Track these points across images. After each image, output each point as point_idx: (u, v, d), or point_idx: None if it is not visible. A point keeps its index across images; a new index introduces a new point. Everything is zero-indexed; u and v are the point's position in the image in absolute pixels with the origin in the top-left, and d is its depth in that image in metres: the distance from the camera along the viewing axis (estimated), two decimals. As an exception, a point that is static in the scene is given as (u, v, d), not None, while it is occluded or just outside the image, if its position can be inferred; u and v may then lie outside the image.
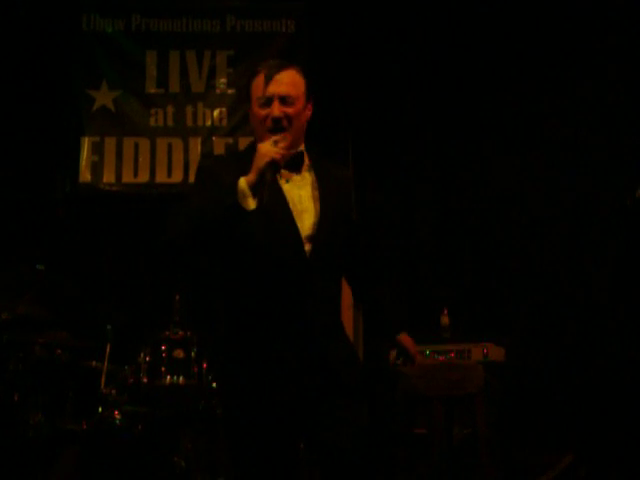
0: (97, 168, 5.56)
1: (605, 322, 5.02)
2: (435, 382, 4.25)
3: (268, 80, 2.64)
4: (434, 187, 5.58)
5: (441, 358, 4.53)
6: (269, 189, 2.49)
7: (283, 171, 2.66)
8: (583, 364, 5.03)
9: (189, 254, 2.86)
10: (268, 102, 2.64)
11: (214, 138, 5.66)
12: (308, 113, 2.74)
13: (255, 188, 2.47)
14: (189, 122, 5.66)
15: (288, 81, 2.65)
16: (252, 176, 2.48)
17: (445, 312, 4.82)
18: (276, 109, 2.62)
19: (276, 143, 2.52)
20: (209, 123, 5.67)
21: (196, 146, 5.64)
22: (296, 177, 2.70)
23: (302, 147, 2.76)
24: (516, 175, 5.46)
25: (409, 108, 5.56)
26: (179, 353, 4.13)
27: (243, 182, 2.48)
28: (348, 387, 2.60)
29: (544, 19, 5.42)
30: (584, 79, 5.36)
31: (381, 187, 5.51)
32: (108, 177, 5.57)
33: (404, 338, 2.93)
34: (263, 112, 2.65)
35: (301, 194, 2.68)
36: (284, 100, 2.63)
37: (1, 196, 5.33)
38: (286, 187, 2.67)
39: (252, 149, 2.65)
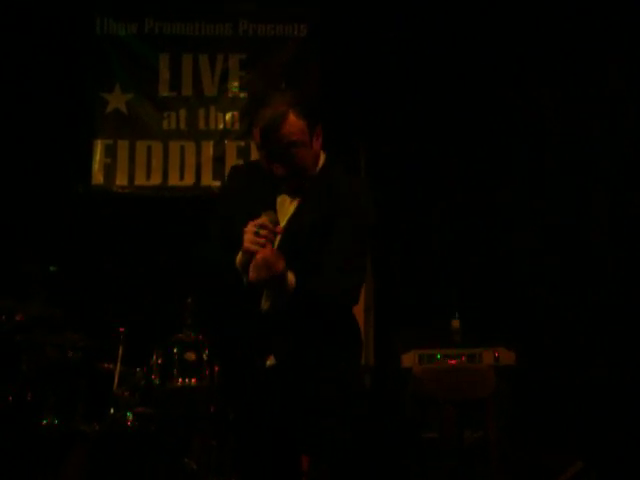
0: (110, 170, 5.61)
1: (616, 326, 5.02)
2: (446, 386, 4.25)
3: (265, 140, 2.49)
4: (446, 190, 5.58)
5: (452, 362, 4.53)
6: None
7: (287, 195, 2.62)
8: (594, 369, 5.03)
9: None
10: (271, 157, 2.51)
11: (226, 141, 5.67)
12: (318, 142, 2.59)
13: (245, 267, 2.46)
14: (201, 125, 5.68)
15: (287, 135, 2.47)
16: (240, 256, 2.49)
17: (456, 316, 4.82)
18: (279, 170, 2.51)
19: (257, 234, 2.40)
20: (221, 126, 5.69)
21: (208, 149, 5.66)
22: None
23: (320, 164, 2.64)
24: (529, 179, 5.46)
25: (422, 111, 5.55)
26: (191, 355, 4.14)
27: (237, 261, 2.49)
28: (336, 401, 2.55)
29: (556, 15, 5.45)
30: (585, 79, 5.39)
31: (393, 190, 5.50)
32: (121, 179, 5.61)
33: None
34: (268, 164, 2.53)
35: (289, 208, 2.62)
36: (285, 157, 2.49)
37: (14, 198, 5.37)
38: (281, 205, 2.61)
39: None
